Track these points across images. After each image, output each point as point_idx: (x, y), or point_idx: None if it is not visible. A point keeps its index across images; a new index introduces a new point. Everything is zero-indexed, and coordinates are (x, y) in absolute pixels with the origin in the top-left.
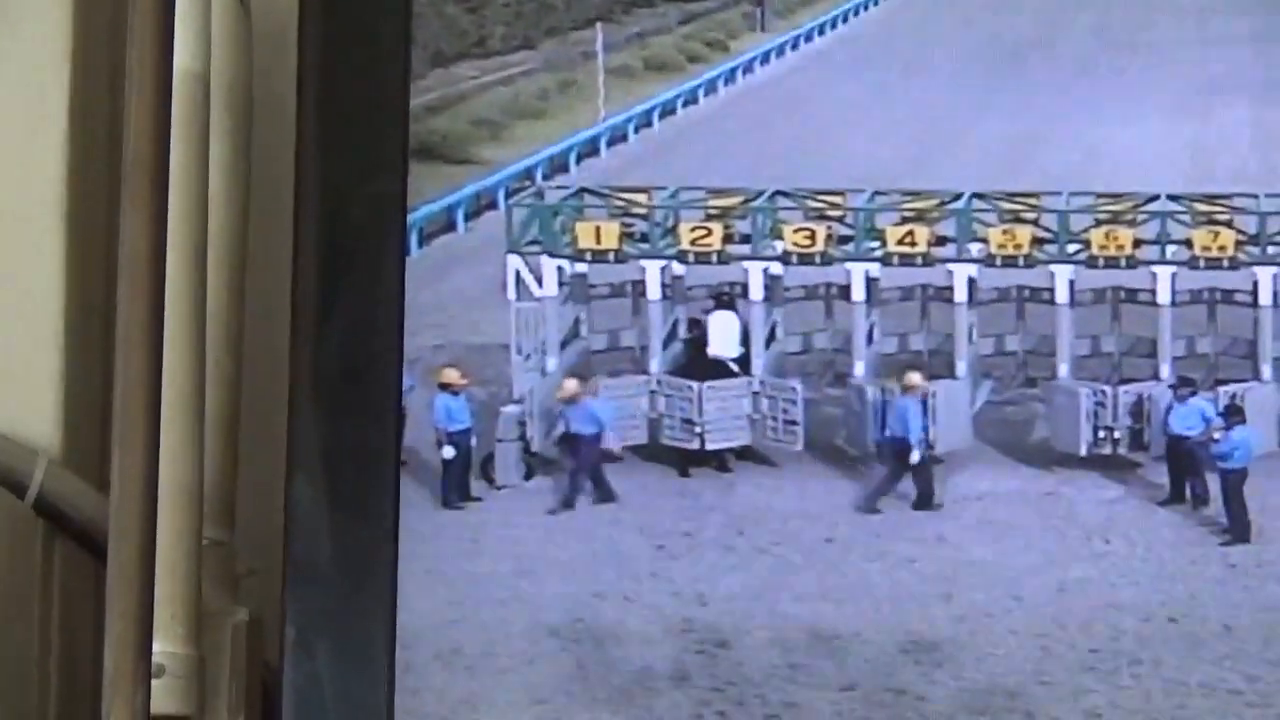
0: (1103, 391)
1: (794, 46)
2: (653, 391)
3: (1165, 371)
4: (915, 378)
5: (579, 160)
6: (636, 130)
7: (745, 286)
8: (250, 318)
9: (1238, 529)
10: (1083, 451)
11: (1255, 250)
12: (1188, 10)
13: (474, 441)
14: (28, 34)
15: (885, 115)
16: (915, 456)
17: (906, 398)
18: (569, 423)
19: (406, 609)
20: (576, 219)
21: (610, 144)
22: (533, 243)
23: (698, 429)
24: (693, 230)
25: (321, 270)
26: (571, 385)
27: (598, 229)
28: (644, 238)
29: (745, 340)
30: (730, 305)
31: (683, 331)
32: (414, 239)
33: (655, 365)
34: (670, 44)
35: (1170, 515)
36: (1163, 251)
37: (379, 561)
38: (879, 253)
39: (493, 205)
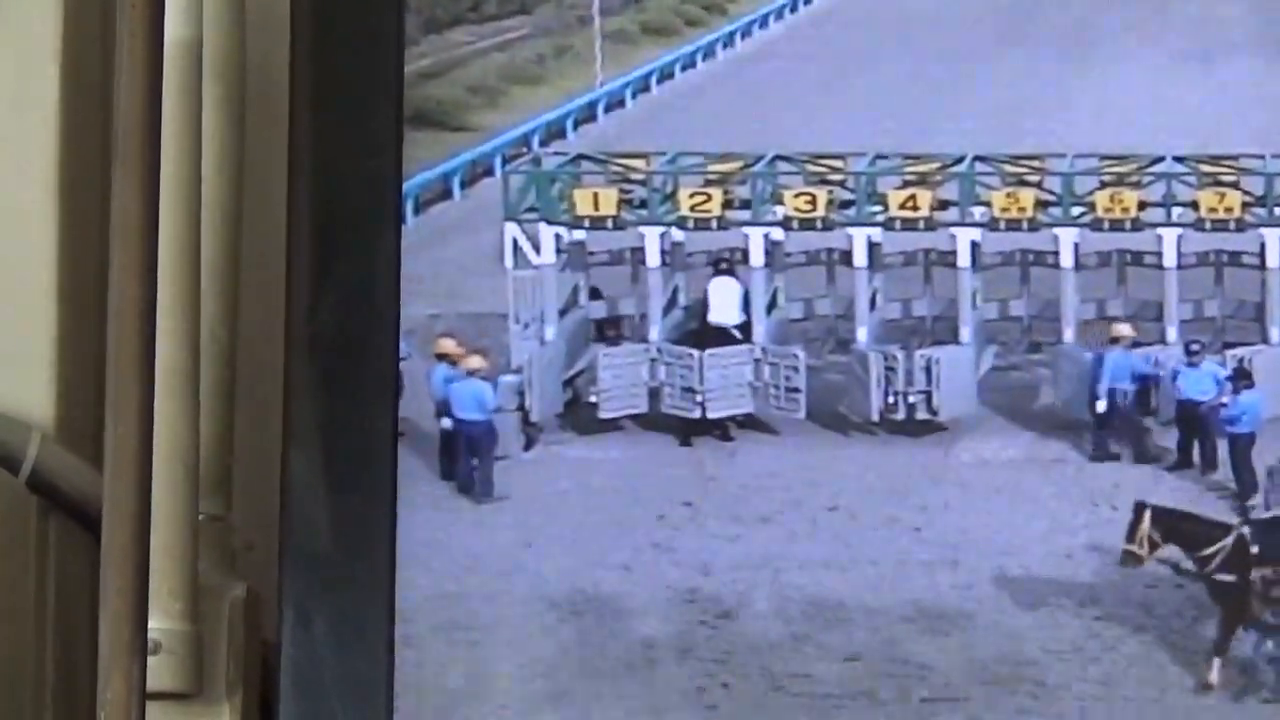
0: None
1: (793, 9)
2: (653, 360)
3: (1172, 335)
4: (1123, 329)
5: (576, 126)
6: (634, 95)
7: (745, 253)
8: (245, 290)
9: (1245, 494)
10: (1089, 416)
11: (1262, 212)
12: None
13: None
14: (18, 2)
15: (883, 77)
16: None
17: (1116, 350)
18: (450, 403)
19: (406, 582)
20: (574, 186)
21: (608, 109)
22: (530, 210)
23: (699, 397)
24: (692, 196)
25: (317, 242)
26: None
27: (595, 196)
28: (643, 204)
29: (747, 307)
30: (731, 271)
31: (683, 299)
32: (409, 207)
33: (655, 333)
34: (668, 7)
35: (1178, 480)
36: (1168, 214)
37: (377, 535)
38: (881, 217)
39: (489, 172)
